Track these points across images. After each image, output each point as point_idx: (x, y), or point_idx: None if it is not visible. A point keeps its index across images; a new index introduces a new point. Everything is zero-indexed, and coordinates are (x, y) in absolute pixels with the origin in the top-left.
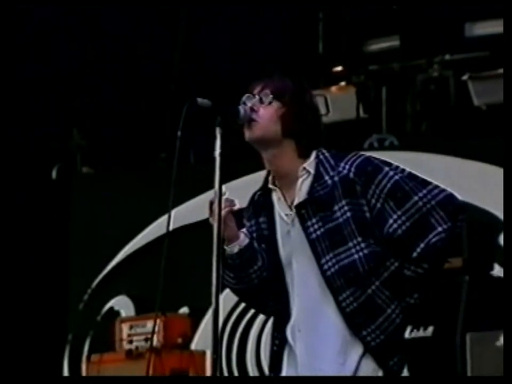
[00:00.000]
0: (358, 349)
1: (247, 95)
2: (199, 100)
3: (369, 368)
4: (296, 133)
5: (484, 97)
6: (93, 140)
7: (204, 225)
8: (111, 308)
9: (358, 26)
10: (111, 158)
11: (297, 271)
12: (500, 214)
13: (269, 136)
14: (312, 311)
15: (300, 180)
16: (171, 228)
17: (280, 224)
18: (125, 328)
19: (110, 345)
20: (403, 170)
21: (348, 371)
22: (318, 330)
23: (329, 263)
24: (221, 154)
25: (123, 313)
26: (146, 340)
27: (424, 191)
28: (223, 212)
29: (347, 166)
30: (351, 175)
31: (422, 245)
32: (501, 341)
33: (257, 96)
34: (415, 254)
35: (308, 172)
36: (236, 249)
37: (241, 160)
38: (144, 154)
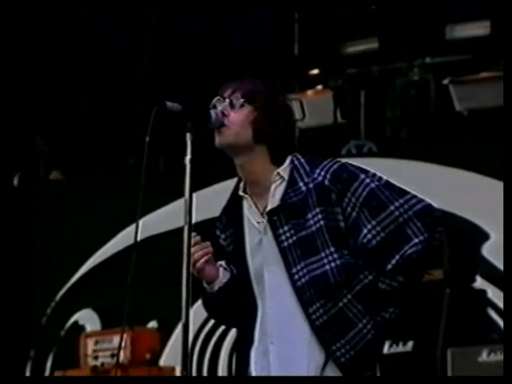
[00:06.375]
0: (328, 365)
1: (217, 98)
2: (169, 103)
3: None
4: (269, 138)
5: (465, 102)
6: (58, 145)
7: (174, 235)
8: (76, 322)
9: (335, 28)
10: (77, 164)
11: (270, 281)
12: (482, 223)
13: (239, 142)
14: (285, 324)
15: (273, 186)
16: (139, 237)
17: (250, 233)
18: (90, 344)
19: (74, 361)
20: (380, 178)
21: None
22: (291, 343)
23: (300, 273)
24: (192, 160)
25: (88, 328)
26: (112, 355)
27: (401, 201)
28: (199, 264)
29: (322, 173)
30: (327, 182)
31: (397, 257)
32: (483, 356)
33: (227, 100)
34: (389, 266)
35: (282, 177)
36: (215, 287)
37: (213, 167)
38: (112, 160)
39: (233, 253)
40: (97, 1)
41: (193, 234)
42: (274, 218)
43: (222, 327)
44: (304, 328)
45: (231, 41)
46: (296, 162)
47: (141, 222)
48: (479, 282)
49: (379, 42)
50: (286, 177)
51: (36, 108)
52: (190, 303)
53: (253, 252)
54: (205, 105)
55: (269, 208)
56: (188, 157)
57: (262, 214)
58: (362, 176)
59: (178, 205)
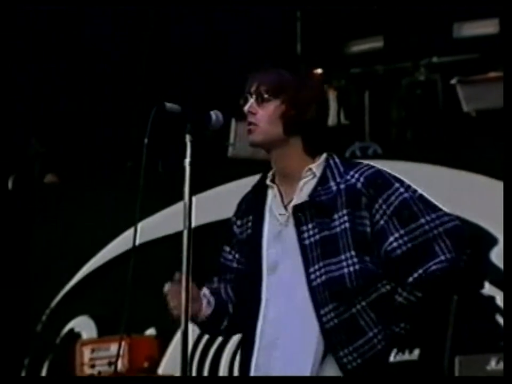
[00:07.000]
0: (333, 370)
1: (245, 94)
2: (168, 104)
3: None
4: (301, 129)
5: (473, 102)
6: (54, 147)
7: (173, 239)
8: (71, 330)
9: (338, 26)
10: (74, 167)
11: (284, 275)
12: (490, 227)
13: (269, 138)
14: (294, 320)
15: (303, 181)
16: (138, 242)
17: (270, 223)
18: (87, 352)
19: (70, 370)
20: (415, 190)
21: None
22: (298, 341)
23: (317, 273)
24: (191, 163)
25: (84, 335)
26: (109, 364)
27: (433, 216)
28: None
29: (356, 175)
30: (359, 185)
31: (420, 271)
32: (492, 364)
33: (254, 96)
34: (410, 279)
35: (313, 173)
36: (199, 320)
37: (213, 169)
38: (110, 163)
39: (247, 241)
40: (97, 1)
41: (177, 274)
42: (299, 214)
43: None
44: (313, 328)
45: (232, 41)
46: (331, 161)
47: (139, 226)
48: (488, 289)
49: (384, 41)
50: (318, 174)
51: (33, 109)
52: (189, 310)
53: (270, 242)
54: (205, 106)
55: (294, 202)
56: (188, 159)
57: (285, 206)
58: (397, 185)
59: (177, 209)
